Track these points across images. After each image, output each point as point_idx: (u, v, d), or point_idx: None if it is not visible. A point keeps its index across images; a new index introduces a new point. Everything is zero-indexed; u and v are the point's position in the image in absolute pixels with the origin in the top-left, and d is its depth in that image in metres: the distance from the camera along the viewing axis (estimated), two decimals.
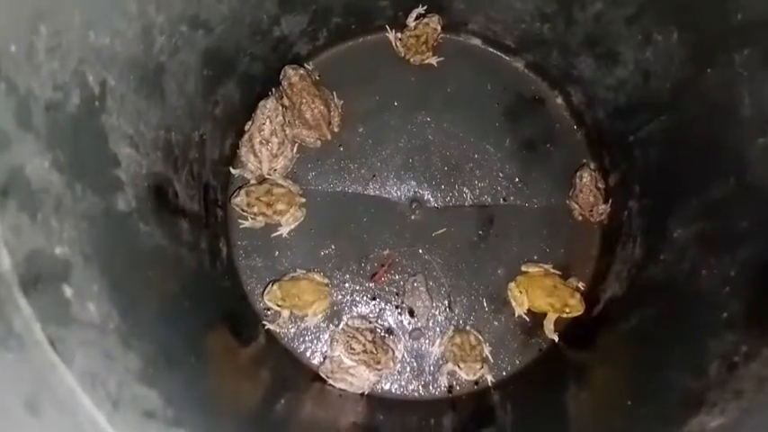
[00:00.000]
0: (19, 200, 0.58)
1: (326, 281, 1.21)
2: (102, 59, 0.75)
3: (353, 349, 1.16)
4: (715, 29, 0.88)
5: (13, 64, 0.61)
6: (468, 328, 1.22)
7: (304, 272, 1.21)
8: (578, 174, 1.26)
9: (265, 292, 1.17)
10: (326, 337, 1.21)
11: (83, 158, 0.71)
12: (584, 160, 1.29)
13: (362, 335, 1.17)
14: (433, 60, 1.29)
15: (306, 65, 1.26)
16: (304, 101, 1.20)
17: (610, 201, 1.25)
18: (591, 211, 1.25)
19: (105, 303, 0.66)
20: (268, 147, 1.20)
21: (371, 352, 1.16)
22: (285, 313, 1.18)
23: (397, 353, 1.21)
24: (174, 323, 0.86)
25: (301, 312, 1.18)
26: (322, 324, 1.21)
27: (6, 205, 0.55)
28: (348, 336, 1.17)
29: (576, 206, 1.26)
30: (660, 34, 0.97)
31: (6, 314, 0.52)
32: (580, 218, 1.26)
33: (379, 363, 1.17)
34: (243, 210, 1.18)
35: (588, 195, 1.24)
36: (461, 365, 1.17)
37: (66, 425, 0.54)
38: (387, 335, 1.22)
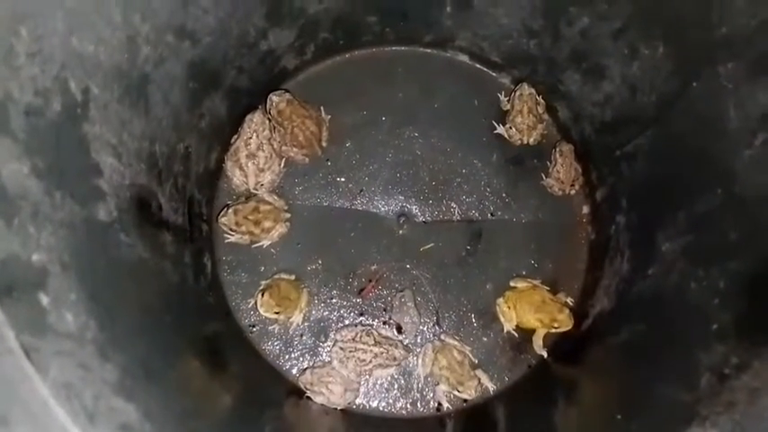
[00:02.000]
0: None
1: (293, 276, 1.20)
2: (86, 67, 0.74)
3: (364, 361, 1.14)
4: (700, 42, 0.88)
5: None
6: (444, 338, 1.20)
7: (271, 279, 1.19)
8: (557, 149, 1.26)
9: (259, 304, 1.15)
10: (309, 349, 1.19)
11: (63, 166, 0.69)
12: (560, 138, 1.31)
13: (363, 344, 1.15)
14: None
15: (290, 82, 1.27)
16: (295, 124, 1.20)
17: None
18: (572, 184, 1.26)
19: (83, 313, 0.64)
20: (254, 161, 1.19)
21: (381, 354, 1.14)
22: (281, 318, 1.16)
23: (404, 339, 1.20)
24: (155, 337, 0.84)
25: (291, 314, 1.17)
26: (309, 340, 1.19)
27: None
28: (350, 351, 1.15)
29: (556, 182, 1.26)
30: (646, 48, 0.98)
31: None
32: (560, 193, 1.27)
33: (395, 358, 1.16)
34: (231, 228, 1.16)
35: (570, 169, 1.25)
36: (460, 389, 1.15)
37: None
38: (381, 327, 1.20)
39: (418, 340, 1.21)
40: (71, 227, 0.68)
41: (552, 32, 1.14)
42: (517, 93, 1.26)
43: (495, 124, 1.28)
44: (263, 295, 1.14)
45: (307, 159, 1.24)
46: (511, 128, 1.26)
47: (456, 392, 1.17)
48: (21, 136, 0.62)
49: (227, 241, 1.19)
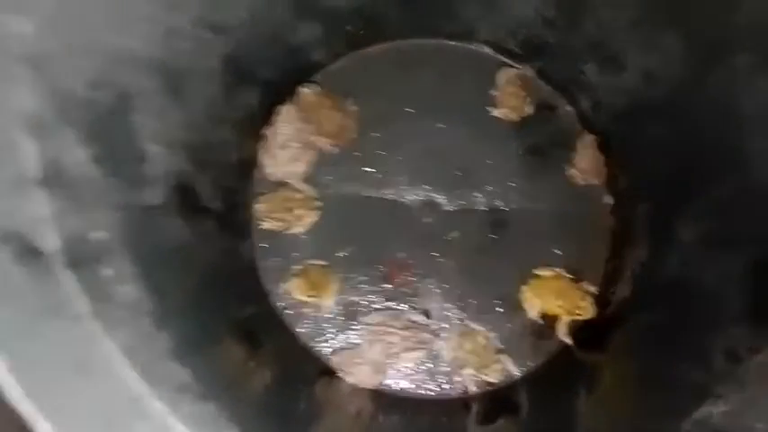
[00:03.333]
0: (62, 187, 0.62)
1: (324, 262, 1.24)
2: (131, 61, 0.79)
3: (392, 344, 1.19)
4: (717, 32, 0.90)
5: (53, 63, 0.65)
6: (469, 324, 1.24)
7: (303, 264, 1.24)
8: (580, 140, 1.29)
9: (292, 288, 1.20)
10: (340, 332, 1.23)
11: (115, 153, 0.75)
12: (582, 128, 1.31)
13: (391, 327, 1.19)
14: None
15: (318, 75, 1.31)
16: (325, 116, 1.24)
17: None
18: (595, 174, 1.28)
19: (138, 289, 0.70)
20: (286, 151, 1.24)
21: (409, 338, 1.19)
22: (314, 301, 1.21)
23: (430, 324, 1.23)
24: (199, 315, 0.89)
25: (322, 298, 1.22)
26: (342, 323, 1.24)
27: (53, 192, 0.60)
28: (378, 335, 1.19)
29: (579, 172, 1.28)
30: (664, 38, 0.99)
31: (53, 288, 0.56)
32: (583, 183, 1.29)
33: (422, 342, 1.20)
34: (265, 216, 1.22)
35: (592, 159, 1.28)
36: (486, 372, 1.20)
37: (108, 393, 0.57)
38: (409, 312, 1.24)
39: (444, 325, 1.25)
40: (124, 209, 0.74)
41: (571, 23, 1.15)
42: (503, 79, 1.30)
43: (490, 109, 1.31)
44: (296, 280, 1.18)
45: (336, 150, 1.28)
46: (506, 110, 1.29)
47: (481, 376, 1.20)
48: (80, 125, 0.68)
49: (261, 228, 1.24)
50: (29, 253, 0.58)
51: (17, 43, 0.62)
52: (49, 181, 0.60)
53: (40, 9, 0.63)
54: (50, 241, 0.58)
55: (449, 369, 1.23)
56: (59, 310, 0.57)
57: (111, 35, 0.75)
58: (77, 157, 0.66)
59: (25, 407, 0.53)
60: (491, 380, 1.21)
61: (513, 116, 1.30)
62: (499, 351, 1.23)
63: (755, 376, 0.75)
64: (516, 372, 1.23)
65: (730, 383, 0.78)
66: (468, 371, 1.21)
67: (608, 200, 1.30)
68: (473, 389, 1.22)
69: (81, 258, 0.61)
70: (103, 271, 0.64)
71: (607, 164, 1.30)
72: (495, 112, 1.31)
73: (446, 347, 1.23)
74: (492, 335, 1.23)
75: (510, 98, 1.29)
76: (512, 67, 1.32)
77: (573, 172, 1.29)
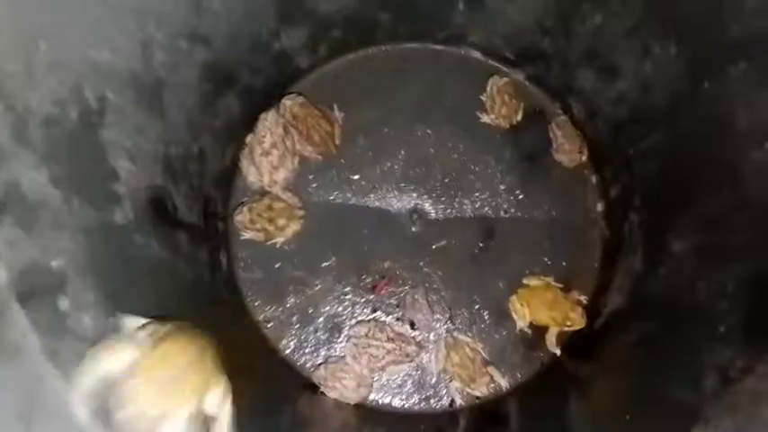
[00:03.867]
0: (15, 214, 0.59)
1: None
2: (102, 75, 0.77)
3: (376, 357, 1.16)
4: (711, 42, 0.88)
5: (13, 81, 0.62)
6: (457, 335, 1.22)
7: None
8: (554, 123, 1.29)
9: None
10: (323, 345, 1.21)
11: (80, 172, 0.72)
12: (551, 111, 1.32)
13: (376, 340, 1.17)
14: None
15: (303, 81, 1.28)
16: (311, 125, 1.21)
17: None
18: (580, 151, 1.27)
19: (101, 316, 0.67)
20: (268, 159, 1.20)
21: (394, 350, 1.16)
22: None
23: (416, 336, 1.21)
24: None
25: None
26: (323, 336, 1.21)
27: (2, 220, 0.56)
28: (363, 347, 1.17)
29: (564, 154, 1.27)
30: (658, 47, 0.98)
31: (1, 326, 0.53)
32: (573, 163, 1.28)
33: (408, 355, 1.18)
34: (245, 227, 1.19)
35: (573, 137, 1.27)
36: (473, 386, 1.18)
37: None
38: (395, 324, 1.22)
39: (431, 337, 1.23)
40: (88, 232, 0.70)
41: (565, 30, 1.14)
42: (494, 89, 1.28)
43: (480, 115, 1.29)
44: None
45: (321, 157, 1.25)
46: (497, 118, 1.28)
47: (468, 389, 1.18)
48: (39, 146, 0.65)
49: (242, 238, 1.21)
50: None
51: None
52: (1, 208, 0.57)
53: None
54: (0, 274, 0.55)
55: (435, 382, 1.21)
56: (3, 351, 0.53)
57: (79, 50, 0.72)
58: (35, 179, 0.63)
59: None
60: (479, 393, 1.18)
61: (504, 123, 1.28)
62: (487, 363, 1.20)
63: (746, 400, 0.73)
64: (505, 384, 1.21)
65: (720, 407, 0.76)
66: (456, 384, 1.19)
67: (600, 208, 1.28)
68: (461, 402, 1.20)
69: (34, 290, 0.58)
70: (60, 302, 0.62)
71: (599, 170, 1.28)
72: (485, 119, 1.29)
73: (433, 360, 1.21)
74: (480, 346, 1.21)
75: (500, 105, 1.27)
76: (503, 73, 1.30)
77: (559, 156, 1.28)
